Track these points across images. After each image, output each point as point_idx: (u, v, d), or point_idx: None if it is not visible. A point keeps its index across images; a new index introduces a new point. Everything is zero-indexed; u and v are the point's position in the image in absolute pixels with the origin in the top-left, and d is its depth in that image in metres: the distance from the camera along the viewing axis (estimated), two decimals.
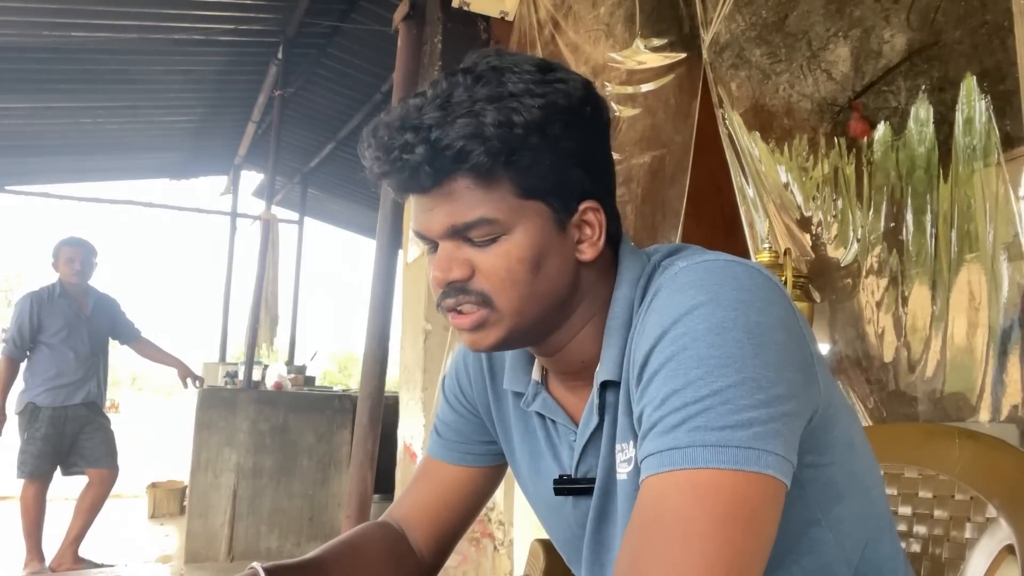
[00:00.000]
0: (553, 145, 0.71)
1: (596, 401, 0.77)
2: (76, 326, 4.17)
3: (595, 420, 0.78)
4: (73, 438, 4.10)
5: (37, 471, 4.00)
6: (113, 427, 4.31)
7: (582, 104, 0.73)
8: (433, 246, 0.75)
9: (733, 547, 0.57)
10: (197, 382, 4.62)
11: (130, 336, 4.51)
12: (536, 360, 0.85)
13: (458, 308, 0.74)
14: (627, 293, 0.77)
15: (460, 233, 0.72)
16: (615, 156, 2.68)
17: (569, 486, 0.81)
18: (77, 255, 4.21)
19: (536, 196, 0.72)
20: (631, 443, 0.73)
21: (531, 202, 0.72)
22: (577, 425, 0.81)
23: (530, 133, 0.69)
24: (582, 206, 0.75)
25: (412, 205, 0.75)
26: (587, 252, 0.75)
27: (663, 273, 0.74)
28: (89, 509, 4.08)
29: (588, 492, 0.80)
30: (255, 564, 0.79)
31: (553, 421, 0.84)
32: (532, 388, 0.84)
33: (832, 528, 0.73)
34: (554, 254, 0.73)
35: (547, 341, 0.78)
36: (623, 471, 0.75)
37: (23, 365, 4.09)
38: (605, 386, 0.77)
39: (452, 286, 0.73)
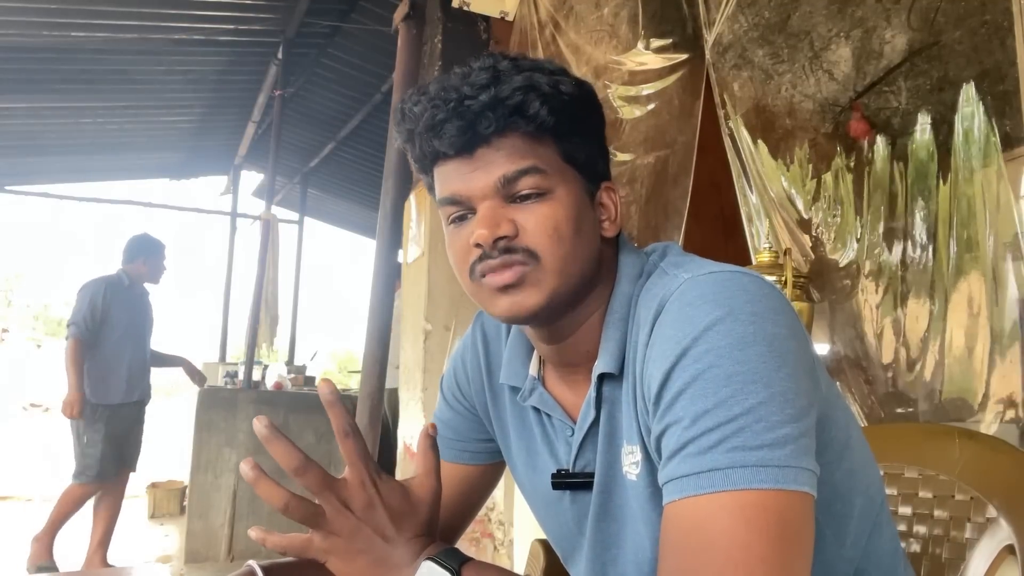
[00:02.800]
0: (587, 120, 0.77)
1: (594, 394, 0.78)
2: (136, 321, 4.14)
3: (592, 414, 0.78)
4: (128, 437, 4.03)
5: (102, 474, 3.87)
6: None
7: (597, 97, 0.80)
8: (463, 214, 0.76)
9: (787, 566, 0.58)
10: (198, 379, 4.63)
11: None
12: (534, 354, 0.86)
13: (503, 267, 0.73)
14: (625, 289, 0.78)
15: (509, 185, 0.73)
16: (621, 156, 2.70)
17: (567, 480, 0.82)
18: (166, 258, 4.26)
19: (574, 164, 0.76)
20: (638, 446, 0.74)
21: (570, 168, 0.76)
22: (574, 420, 0.82)
23: (573, 103, 0.75)
24: (603, 184, 0.80)
25: (445, 173, 0.76)
26: (609, 229, 0.79)
27: (661, 279, 0.74)
28: (109, 512, 4.00)
29: (586, 487, 0.80)
30: (251, 562, 0.79)
31: (549, 416, 0.84)
32: (529, 383, 0.85)
33: (831, 526, 0.74)
34: (588, 222, 0.77)
35: (561, 323, 0.79)
36: (632, 472, 0.75)
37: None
38: (602, 379, 0.77)
39: (498, 244, 0.72)
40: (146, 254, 4.19)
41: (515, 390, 0.87)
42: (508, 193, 0.73)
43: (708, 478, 0.60)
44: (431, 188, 0.80)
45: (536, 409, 0.86)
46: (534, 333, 0.82)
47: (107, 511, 4.01)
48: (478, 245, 0.73)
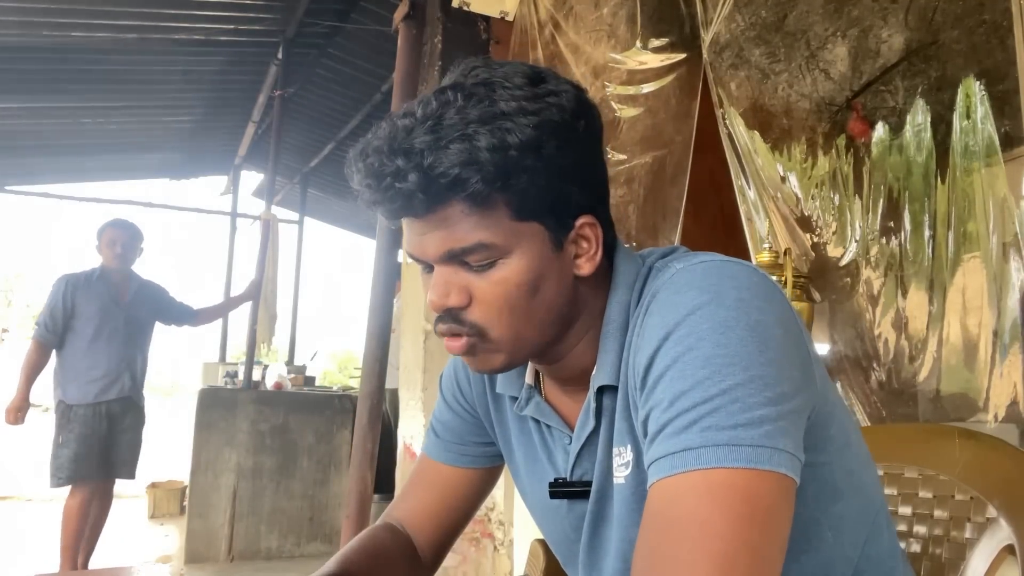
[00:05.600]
0: (548, 164, 0.69)
1: (593, 405, 0.77)
2: (111, 313, 3.78)
3: (591, 424, 0.77)
4: (110, 438, 3.73)
5: (76, 475, 3.61)
6: (144, 429, 3.96)
7: (575, 118, 0.71)
8: (428, 267, 0.74)
9: (750, 546, 0.56)
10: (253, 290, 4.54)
11: (186, 316, 4.19)
12: (530, 365, 0.85)
13: (451, 335, 0.73)
14: (622, 297, 0.76)
15: (457, 258, 0.70)
16: (617, 156, 2.70)
17: (564, 489, 0.81)
18: (120, 237, 3.83)
19: (532, 217, 0.70)
20: (628, 447, 0.73)
21: (528, 224, 0.70)
22: (572, 429, 0.81)
23: (525, 154, 0.67)
24: (579, 222, 0.73)
25: (405, 227, 0.74)
26: (584, 267, 0.75)
27: (658, 275, 0.74)
28: (95, 518, 3.80)
29: (583, 496, 0.80)
30: None
31: (548, 425, 0.84)
32: (525, 392, 0.84)
33: (831, 527, 0.73)
34: (551, 275, 0.73)
35: (546, 354, 0.78)
36: (620, 475, 0.74)
37: (55, 360, 3.73)
38: (602, 390, 0.76)
39: (449, 313, 0.72)
40: (101, 238, 3.84)
41: (513, 399, 0.87)
42: (460, 260, 0.71)
43: (681, 458, 0.59)
44: None
45: (535, 419, 0.85)
46: None
47: (94, 517, 3.80)
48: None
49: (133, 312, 3.90)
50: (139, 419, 3.92)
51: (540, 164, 0.68)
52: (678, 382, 0.62)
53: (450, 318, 0.72)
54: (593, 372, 0.77)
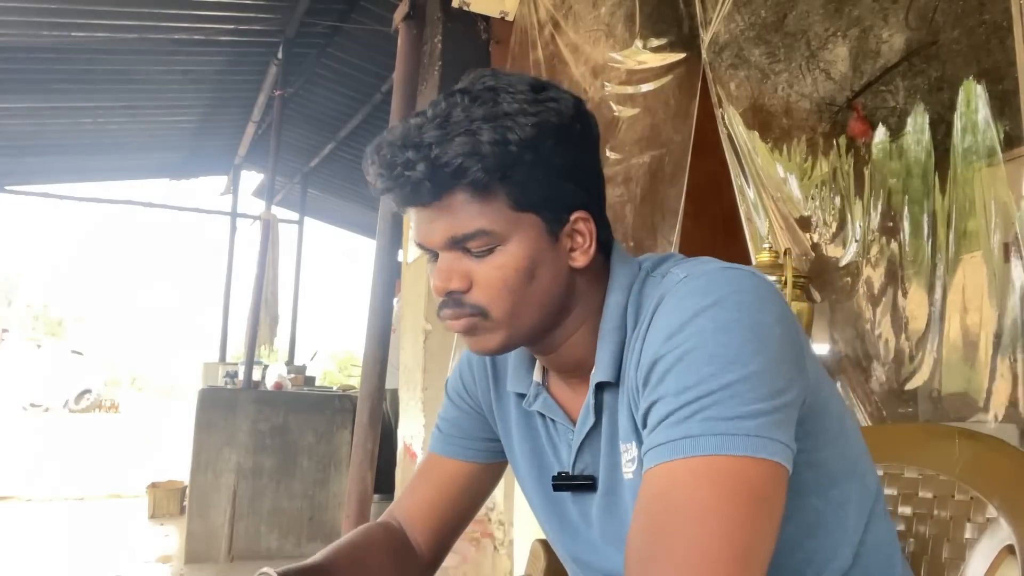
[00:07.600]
0: (545, 160, 0.75)
1: (592, 401, 0.81)
2: None
3: (591, 419, 0.81)
4: None
5: None
6: None
7: (572, 122, 0.78)
8: (433, 255, 0.79)
9: (749, 526, 0.61)
10: None
11: None
12: (537, 361, 0.89)
13: (455, 317, 0.78)
14: (619, 299, 0.81)
15: (459, 244, 0.76)
16: (615, 156, 2.70)
17: (567, 482, 0.85)
18: None
19: (530, 208, 0.76)
20: (634, 443, 0.77)
21: (525, 214, 0.76)
22: (575, 423, 0.84)
23: (524, 150, 0.73)
24: (573, 216, 0.79)
25: (413, 217, 0.79)
26: (579, 259, 0.80)
27: (661, 281, 0.78)
28: None
29: (586, 488, 0.84)
30: (267, 568, 0.80)
31: (553, 420, 0.87)
32: (534, 389, 0.88)
33: (832, 512, 0.77)
34: (547, 263, 0.78)
35: (543, 341, 0.83)
36: (628, 470, 0.78)
37: None
38: (601, 387, 0.80)
39: (451, 296, 0.77)
40: None
41: (521, 396, 0.90)
42: (462, 246, 0.76)
43: (680, 445, 0.64)
44: None
45: (541, 414, 0.89)
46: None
47: None
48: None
49: None
50: None
51: (538, 160, 0.74)
52: (683, 377, 0.66)
53: (452, 302, 0.78)
54: (592, 370, 0.81)
